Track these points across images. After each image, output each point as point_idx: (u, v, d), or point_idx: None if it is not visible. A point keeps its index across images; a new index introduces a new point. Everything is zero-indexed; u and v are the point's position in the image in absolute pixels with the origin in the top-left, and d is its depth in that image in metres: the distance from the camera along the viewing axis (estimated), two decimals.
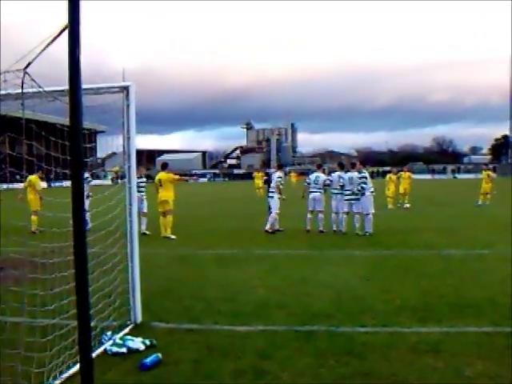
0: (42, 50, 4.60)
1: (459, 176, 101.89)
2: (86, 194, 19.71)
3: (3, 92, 5.28)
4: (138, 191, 18.12)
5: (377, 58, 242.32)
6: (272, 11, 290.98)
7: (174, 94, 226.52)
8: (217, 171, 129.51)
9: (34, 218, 19.27)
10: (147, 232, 18.05)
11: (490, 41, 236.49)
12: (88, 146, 6.21)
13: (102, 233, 7.06)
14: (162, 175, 18.21)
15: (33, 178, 19.41)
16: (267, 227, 18.40)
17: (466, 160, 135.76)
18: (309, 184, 19.20)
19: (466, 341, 6.62)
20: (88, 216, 18.30)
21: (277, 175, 19.64)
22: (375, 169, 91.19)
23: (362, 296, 8.98)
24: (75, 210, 4.30)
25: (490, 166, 44.70)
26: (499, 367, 5.70)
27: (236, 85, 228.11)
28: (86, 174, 19.22)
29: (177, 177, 19.29)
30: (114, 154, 58.89)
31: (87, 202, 19.48)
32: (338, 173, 19.13)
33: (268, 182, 27.25)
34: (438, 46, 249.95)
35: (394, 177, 30.44)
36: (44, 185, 21.12)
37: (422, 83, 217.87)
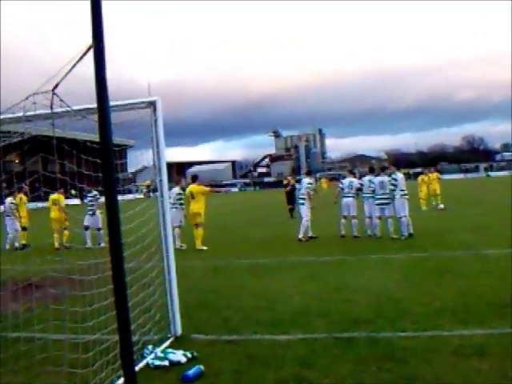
0: (69, 71, 4.69)
1: (492, 174, 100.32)
2: (93, 211, 20.08)
3: (33, 113, 5.39)
4: (180, 203, 18.31)
5: (400, 59, 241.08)
6: (293, 15, 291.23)
7: (200, 105, 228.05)
8: (247, 180, 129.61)
9: (66, 232, 19.83)
10: (183, 246, 17.96)
11: None
12: (119, 162, 6.28)
13: (137, 247, 7.11)
14: (193, 187, 18.27)
15: (59, 196, 19.72)
16: (300, 235, 18.35)
17: (498, 157, 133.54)
18: (342, 189, 19.16)
19: (509, 342, 6.50)
20: (102, 233, 18.66)
21: (307, 181, 19.59)
22: (406, 171, 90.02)
23: (400, 300, 8.90)
24: (111, 225, 4.35)
25: None
26: None
27: (261, 93, 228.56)
28: (95, 192, 19.53)
29: (208, 189, 19.37)
30: (144, 167, 59.27)
31: (99, 220, 19.76)
32: (368, 177, 19.06)
33: (292, 192, 27.89)
34: (460, 44, 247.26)
35: (426, 178, 30.24)
36: (77, 201, 21.58)
37: (446, 82, 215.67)
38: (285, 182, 31.25)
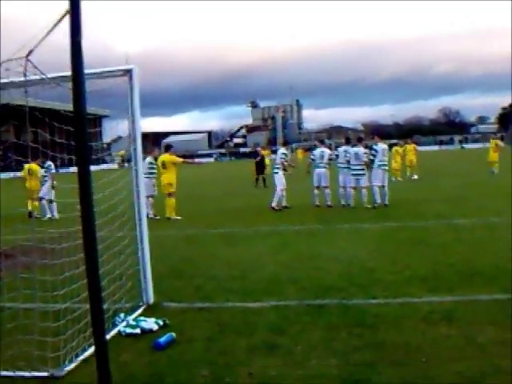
0: (44, 37, 4.57)
1: (467, 146, 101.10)
2: (48, 183, 19.57)
3: (6, 80, 5.27)
4: (151, 173, 17.95)
5: (378, 31, 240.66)
6: None
7: (177, 75, 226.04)
8: (223, 150, 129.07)
9: (36, 203, 19.48)
10: (157, 216, 17.67)
11: (494, 11, 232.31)
12: (93, 130, 6.20)
13: (109, 216, 7.04)
14: (165, 157, 18.03)
15: (33, 166, 19.33)
16: (273, 204, 18.39)
17: (473, 130, 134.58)
18: (313, 160, 19.20)
19: (478, 308, 6.64)
20: (54, 206, 18.50)
21: (281, 151, 19.68)
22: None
23: (372, 268, 8.99)
24: (83, 195, 4.30)
25: (498, 135, 44.22)
26: (510, 333, 5.68)
27: (239, 64, 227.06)
28: (49, 162, 19.20)
29: (180, 159, 19.06)
30: (119, 137, 58.60)
31: (53, 192, 19.33)
32: (344, 147, 19.19)
33: (261, 162, 29.41)
34: (440, 17, 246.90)
35: (400, 149, 30.39)
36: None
37: (424, 55, 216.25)
38: (268, 151, 32.32)
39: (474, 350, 5.38)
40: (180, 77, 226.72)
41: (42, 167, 19.60)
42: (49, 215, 18.60)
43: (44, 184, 19.44)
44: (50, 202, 19.16)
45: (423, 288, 7.63)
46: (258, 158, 30.42)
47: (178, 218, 17.42)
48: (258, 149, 34.12)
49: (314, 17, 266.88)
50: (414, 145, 32.24)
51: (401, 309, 6.81)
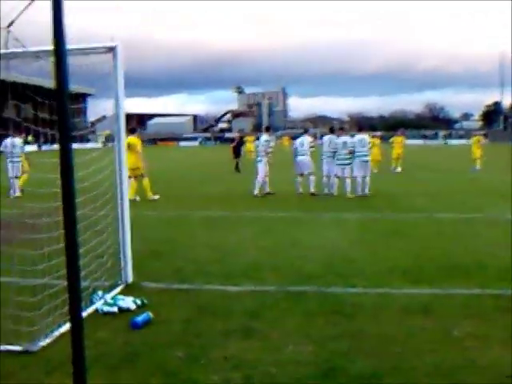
0: (25, 8, 4.49)
1: (450, 141, 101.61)
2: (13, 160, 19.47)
3: None
4: None
5: (367, 24, 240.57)
6: None
7: (165, 57, 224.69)
8: (208, 135, 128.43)
9: (25, 176, 19.38)
10: (137, 198, 16.94)
11: (481, 10, 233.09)
12: (76, 106, 6.08)
13: (91, 194, 6.99)
14: (131, 139, 16.80)
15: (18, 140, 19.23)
16: (255, 192, 18.35)
17: (457, 126, 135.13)
18: (295, 149, 19.26)
19: (455, 302, 6.69)
20: (17, 182, 18.57)
21: (264, 139, 19.53)
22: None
23: (353, 258, 9.02)
24: (64, 171, 4.24)
25: (481, 132, 44.25)
26: (486, 328, 5.77)
27: (228, 48, 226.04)
28: (6, 140, 19.20)
29: (140, 151, 17.73)
30: (104, 117, 58.00)
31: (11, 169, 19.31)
32: (328, 136, 19.21)
33: (237, 147, 31.00)
34: (428, 15, 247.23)
35: (377, 141, 29.90)
36: (34, 148, 21.02)
37: (411, 50, 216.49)
38: (252, 138, 33.96)
39: (449, 343, 5.42)
40: (168, 59, 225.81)
41: (27, 143, 19.54)
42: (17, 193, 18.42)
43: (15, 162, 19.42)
44: (16, 177, 19.16)
45: (402, 279, 7.68)
46: (233, 144, 31.77)
47: (156, 197, 17.28)
48: (236, 135, 35.82)
49: (303, 6, 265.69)
50: (402, 137, 31.97)
51: (379, 299, 6.85)
